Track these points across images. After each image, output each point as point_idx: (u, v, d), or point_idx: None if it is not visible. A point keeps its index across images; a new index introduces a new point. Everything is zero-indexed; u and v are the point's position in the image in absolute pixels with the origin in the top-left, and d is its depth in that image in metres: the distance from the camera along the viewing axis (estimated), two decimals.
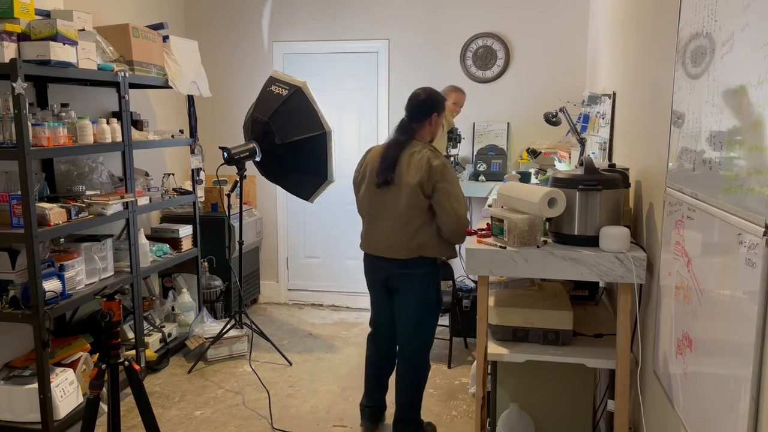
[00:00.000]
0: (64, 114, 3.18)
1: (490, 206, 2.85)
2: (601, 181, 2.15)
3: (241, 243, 4.07)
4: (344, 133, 4.96)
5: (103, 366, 2.27)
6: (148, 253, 3.81)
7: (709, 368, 1.43)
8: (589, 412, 2.62)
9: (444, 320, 4.15)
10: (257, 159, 3.94)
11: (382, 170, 2.83)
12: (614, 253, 2.06)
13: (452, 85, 4.42)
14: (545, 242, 2.23)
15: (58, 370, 3.05)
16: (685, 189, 1.63)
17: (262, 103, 3.96)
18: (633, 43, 2.63)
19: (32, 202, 2.77)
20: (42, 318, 2.82)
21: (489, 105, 4.72)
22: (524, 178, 3.32)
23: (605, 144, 3.11)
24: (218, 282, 4.57)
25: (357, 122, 5.00)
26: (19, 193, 2.77)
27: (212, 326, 4.10)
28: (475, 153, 4.68)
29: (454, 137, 4.39)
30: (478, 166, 4.57)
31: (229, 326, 4.01)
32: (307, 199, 4.18)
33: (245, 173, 3.93)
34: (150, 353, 3.74)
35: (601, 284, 2.91)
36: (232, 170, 4.02)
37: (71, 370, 3.11)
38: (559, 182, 2.22)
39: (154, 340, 3.86)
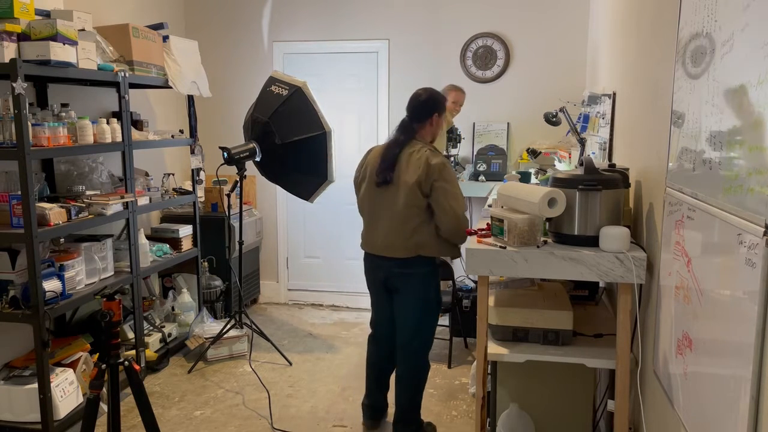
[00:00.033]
0: (64, 114, 3.18)
1: (490, 206, 2.85)
2: (601, 181, 2.15)
3: (241, 243, 4.07)
4: (344, 133, 4.96)
5: (103, 366, 2.27)
6: (148, 253, 3.81)
7: (709, 368, 1.43)
8: (589, 412, 2.62)
9: (444, 320, 4.16)
10: (257, 159, 3.94)
11: (381, 170, 2.84)
12: (614, 253, 2.06)
13: (452, 84, 4.42)
14: (545, 242, 2.23)
15: (58, 370, 3.05)
16: (685, 189, 1.63)
17: (262, 103, 3.96)
18: (633, 43, 2.63)
19: (32, 202, 2.77)
20: (42, 318, 2.82)
21: (489, 105, 4.72)
22: (524, 178, 3.32)
23: (605, 144, 3.11)
24: (218, 282, 4.57)
25: (357, 122, 5.00)
26: (19, 193, 2.77)
27: (212, 326, 4.10)
28: (475, 153, 4.68)
29: (454, 137, 4.39)
30: (478, 166, 4.57)
31: (229, 326, 4.01)
32: (307, 199, 4.18)
33: (245, 173, 3.93)
34: (150, 353, 3.74)
35: (601, 284, 2.91)
36: (232, 170, 4.02)
37: (71, 370, 3.11)
38: (559, 182, 2.22)
39: (154, 340, 3.86)
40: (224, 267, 4.57)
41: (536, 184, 2.92)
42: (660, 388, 1.85)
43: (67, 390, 3.03)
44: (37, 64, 2.79)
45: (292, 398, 3.50)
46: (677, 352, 1.66)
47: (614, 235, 2.08)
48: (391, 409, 3.11)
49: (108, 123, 3.32)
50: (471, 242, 2.30)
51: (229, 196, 4.03)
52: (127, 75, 3.46)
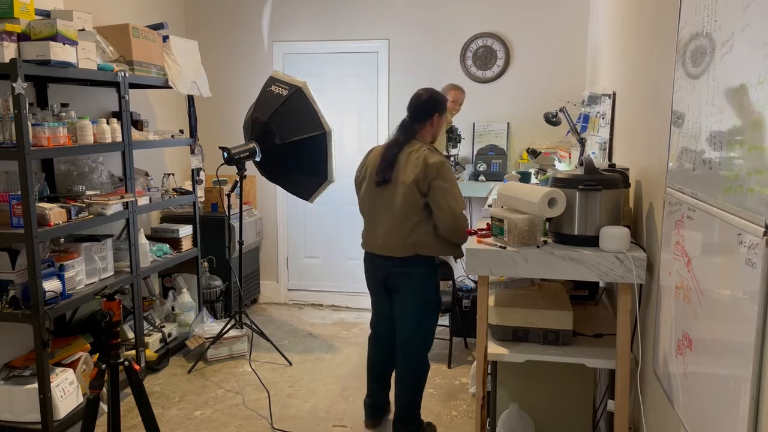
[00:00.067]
0: (64, 114, 3.18)
1: (490, 206, 2.85)
2: (601, 181, 2.15)
3: (241, 243, 4.07)
4: (344, 133, 4.96)
5: (103, 366, 2.27)
6: (148, 253, 3.81)
7: (709, 368, 1.43)
8: (589, 412, 2.62)
9: (444, 320, 4.16)
10: (257, 159, 3.94)
11: (380, 169, 2.85)
12: (614, 253, 2.06)
13: (451, 83, 4.42)
14: (545, 242, 2.23)
15: (58, 370, 3.05)
16: (685, 189, 1.63)
17: (262, 103, 3.96)
18: (633, 43, 2.63)
19: (32, 202, 2.77)
20: (42, 318, 2.82)
21: (489, 105, 4.72)
22: (524, 178, 3.32)
23: (605, 144, 3.11)
24: (218, 282, 4.57)
25: (357, 122, 5.00)
26: (19, 193, 2.77)
27: (212, 326, 4.10)
28: (475, 153, 4.68)
29: (454, 137, 4.39)
30: (478, 166, 4.57)
31: (229, 326, 4.01)
32: (307, 199, 4.18)
33: (245, 173, 3.93)
34: (150, 353, 3.74)
35: (601, 284, 2.91)
36: (232, 170, 4.02)
37: (71, 370, 3.11)
38: (559, 182, 2.22)
39: (154, 340, 3.86)
40: (224, 267, 4.57)
41: (536, 184, 2.92)
42: (660, 388, 1.85)
43: (67, 390, 3.03)
44: (37, 64, 2.79)
45: (292, 398, 3.50)
46: (677, 352, 1.66)
47: (614, 235, 2.08)
48: (392, 409, 3.11)
49: (108, 123, 3.32)
50: (471, 242, 2.30)
51: (229, 196, 4.02)
52: (127, 75, 3.46)
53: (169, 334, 4.00)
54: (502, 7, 4.61)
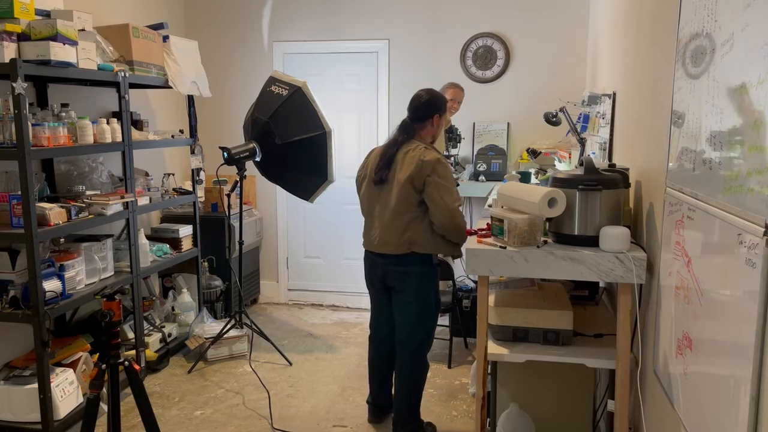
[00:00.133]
0: (64, 114, 3.18)
1: (490, 206, 2.85)
2: (601, 181, 2.15)
3: (241, 243, 4.07)
4: (344, 133, 4.96)
5: (103, 366, 2.27)
6: (148, 253, 3.81)
7: (709, 368, 1.43)
8: (589, 412, 2.62)
9: (444, 320, 4.15)
10: (257, 159, 3.94)
11: (378, 168, 2.88)
12: (614, 253, 2.06)
13: (450, 82, 4.42)
14: (545, 242, 2.23)
15: (58, 370, 3.05)
16: (685, 189, 1.63)
17: (262, 103, 3.96)
18: (633, 43, 2.63)
19: (32, 202, 2.77)
20: (42, 318, 2.82)
21: (489, 105, 4.72)
22: (524, 178, 3.32)
23: (605, 144, 3.11)
24: (218, 282, 4.57)
25: (357, 122, 5.00)
26: (19, 193, 2.77)
27: (212, 326, 4.10)
28: (475, 153, 4.68)
29: (454, 137, 4.39)
30: (478, 166, 4.57)
31: (229, 326, 4.01)
32: (307, 199, 4.18)
33: (245, 173, 3.93)
34: (150, 353, 3.74)
35: (601, 284, 2.91)
36: (232, 170, 4.02)
37: (71, 370, 3.11)
38: (559, 182, 2.22)
39: (154, 340, 3.86)
40: (224, 267, 4.57)
41: (536, 184, 2.92)
42: (660, 388, 1.85)
43: (67, 390, 3.03)
44: (37, 64, 2.79)
45: (292, 398, 3.50)
46: (677, 352, 1.66)
47: (614, 235, 2.08)
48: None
49: (108, 123, 3.32)
50: (471, 242, 2.30)
51: (229, 196, 4.02)
52: (127, 75, 3.46)
53: (169, 334, 4.00)
54: (502, 7, 4.61)
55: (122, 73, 3.41)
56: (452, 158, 4.46)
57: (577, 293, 2.78)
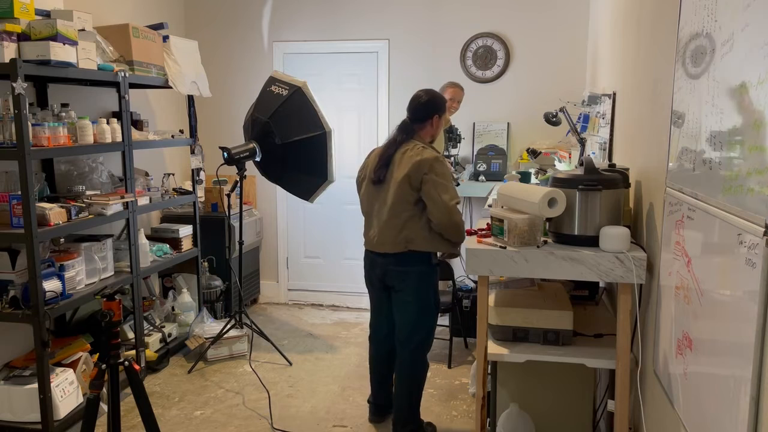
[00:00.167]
0: (64, 114, 3.18)
1: (490, 206, 2.85)
2: (601, 181, 2.15)
3: (241, 243, 4.07)
4: (344, 133, 4.96)
5: (103, 366, 2.27)
6: (148, 253, 3.81)
7: (709, 368, 1.43)
8: (589, 412, 2.62)
9: (444, 320, 4.16)
10: (257, 159, 3.94)
11: (377, 168, 2.89)
12: (614, 253, 2.06)
13: (450, 81, 4.42)
14: (545, 242, 2.23)
15: (58, 370, 3.05)
16: (685, 189, 1.63)
17: (262, 103, 3.96)
18: (633, 43, 2.63)
19: (32, 202, 2.77)
20: (42, 318, 2.82)
21: (489, 105, 4.72)
22: (524, 178, 3.32)
23: (605, 144, 3.11)
24: (218, 282, 4.57)
25: (357, 122, 5.00)
26: (19, 193, 2.77)
27: (212, 326, 4.10)
28: (475, 153, 4.68)
29: (453, 137, 4.39)
30: (478, 166, 4.57)
31: (229, 326, 4.01)
32: (307, 199, 4.18)
33: (245, 173, 3.93)
34: (150, 353, 3.74)
35: (601, 284, 2.91)
36: (232, 170, 4.02)
37: (71, 370, 3.11)
38: (559, 182, 2.22)
39: (154, 340, 3.86)
40: (224, 267, 4.57)
41: (536, 184, 2.92)
42: (660, 388, 1.85)
43: (67, 390, 3.03)
44: (37, 64, 2.79)
45: (292, 398, 3.50)
46: (677, 352, 1.66)
47: (614, 235, 2.08)
48: None
49: (108, 123, 3.32)
50: (471, 242, 2.30)
51: (229, 196, 4.02)
52: (127, 75, 3.46)
53: (169, 334, 4.00)
54: (502, 7, 4.61)
55: (122, 73, 3.41)
56: (452, 158, 4.46)
57: (577, 293, 2.78)
